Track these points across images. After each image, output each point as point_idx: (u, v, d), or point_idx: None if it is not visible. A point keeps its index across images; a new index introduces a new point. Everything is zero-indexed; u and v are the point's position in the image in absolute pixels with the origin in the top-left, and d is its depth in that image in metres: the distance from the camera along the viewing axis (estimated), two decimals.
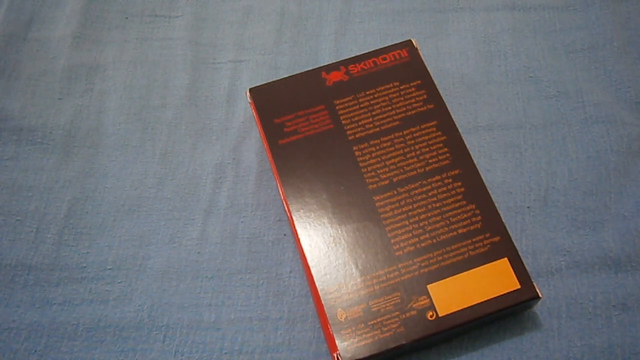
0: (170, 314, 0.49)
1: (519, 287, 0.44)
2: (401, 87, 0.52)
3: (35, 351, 0.48)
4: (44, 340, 0.48)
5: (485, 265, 0.45)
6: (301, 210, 0.48)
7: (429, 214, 0.47)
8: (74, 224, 0.52)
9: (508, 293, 0.44)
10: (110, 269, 0.50)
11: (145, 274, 0.50)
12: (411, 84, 0.52)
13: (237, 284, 0.50)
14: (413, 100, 0.52)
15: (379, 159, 0.49)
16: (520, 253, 0.50)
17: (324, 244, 0.47)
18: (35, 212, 0.53)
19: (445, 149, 0.49)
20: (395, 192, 0.48)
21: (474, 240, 0.46)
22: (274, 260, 0.50)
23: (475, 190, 0.48)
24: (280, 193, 0.49)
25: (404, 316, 0.44)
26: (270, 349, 0.47)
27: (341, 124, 0.51)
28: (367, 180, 0.49)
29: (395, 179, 0.48)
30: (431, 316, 0.44)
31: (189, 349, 0.47)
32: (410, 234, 0.46)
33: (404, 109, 0.51)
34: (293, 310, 0.48)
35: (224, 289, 0.50)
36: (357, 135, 0.50)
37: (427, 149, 0.50)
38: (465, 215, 0.47)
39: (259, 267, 0.50)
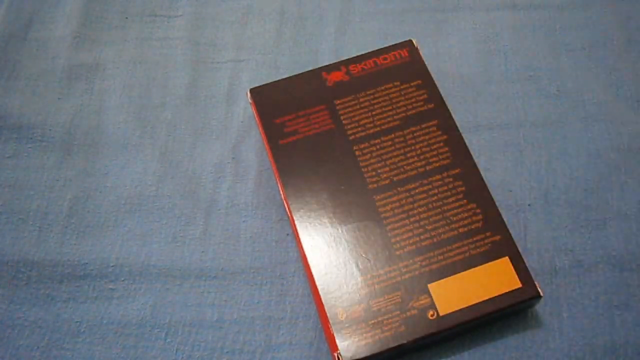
0: (172, 312, 0.49)
1: (520, 286, 0.44)
2: (402, 87, 0.52)
3: (38, 347, 0.48)
4: (47, 337, 0.48)
5: (486, 264, 0.45)
6: (302, 210, 0.48)
7: (430, 213, 0.47)
8: (76, 222, 0.53)
9: (509, 292, 0.44)
10: (113, 266, 0.51)
11: (148, 272, 0.50)
12: (412, 84, 0.52)
13: (240, 283, 0.50)
14: (413, 100, 0.52)
15: (379, 159, 0.49)
16: (524, 251, 0.50)
17: (324, 244, 0.47)
18: (37, 211, 0.53)
19: (446, 148, 0.50)
20: (395, 192, 0.48)
21: (474, 239, 0.46)
22: (278, 260, 0.51)
23: (475, 189, 0.48)
24: (281, 193, 0.49)
25: (404, 315, 0.44)
26: (271, 348, 0.47)
27: (342, 123, 0.51)
28: (367, 179, 0.49)
29: (395, 179, 0.49)
30: (432, 315, 0.44)
31: (190, 347, 0.47)
32: (411, 233, 0.47)
33: (405, 108, 0.51)
34: (296, 310, 0.49)
35: (227, 288, 0.50)
36: (357, 135, 0.50)
37: (428, 148, 0.50)
38: (465, 215, 0.47)
39: (263, 266, 0.50)
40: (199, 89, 0.59)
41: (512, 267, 0.45)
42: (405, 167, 0.49)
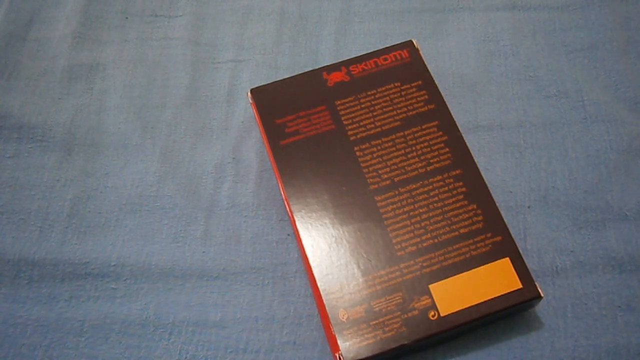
0: (175, 312, 0.49)
1: (520, 286, 0.45)
2: (402, 88, 0.52)
3: (41, 346, 0.48)
4: (50, 336, 0.48)
5: (486, 265, 0.45)
6: (303, 211, 0.48)
7: (431, 214, 0.47)
8: (76, 222, 0.53)
9: (510, 293, 0.44)
10: (114, 265, 0.51)
11: (150, 272, 0.50)
12: (412, 85, 0.52)
13: (242, 284, 0.50)
14: (414, 101, 0.52)
15: (380, 159, 0.49)
16: (525, 252, 0.50)
17: (325, 244, 0.47)
18: (38, 211, 0.53)
19: (447, 149, 0.50)
20: (396, 192, 0.48)
21: (475, 240, 0.46)
22: (280, 260, 0.51)
23: (476, 190, 0.48)
24: (282, 193, 0.49)
25: (405, 316, 0.44)
26: (275, 348, 0.47)
27: (342, 124, 0.51)
28: (368, 180, 0.49)
29: (396, 179, 0.49)
30: (433, 316, 0.44)
31: (194, 347, 0.48)
32: (412, 234, 0.47)
33: (405, 109, 0.51)
34: (299, 310, 0.49)
35: (230, 288, 0.50)
36: (358, 136, 0.50)
37: (429, 149, 0.50)
38: (466, 215, 0.47)
39: (264, 266, 0.50)
40: (199, 89, 0.59)
41: (512, 268, 0.45)
42: (406, 167, 0.49)
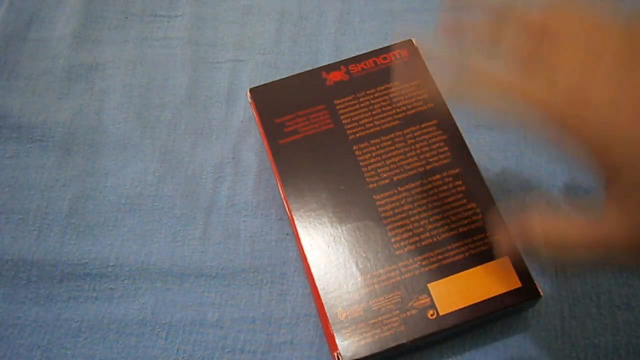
0: (173, 312, 0.49)
1: (520, 285, 0.44)
2: (401, 87, 0.52)
3: (39, 347, 0.48)
4: (48, 337, 0.48)
5: (486, 264, 0.45)
6: (301, 210, 0.48)
7: (429, 213, 0.47)
8: (75, 222, 0.53)
9: (509, 292, 0.44)
10: (113, 265, 0.51)
11: (148, 272, 0.50)
12: (411, 84, 0.52)
13: (240, 283, 0.50)
14: (413, 100, 0.52)
15: (379, 158, 0.49)
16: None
17: (324, 243, 0.47)
18: (37, 211, 0.53)
19: (446, 148, 0.50)
20: (395, 191, 0.48)
21: (474, 238, 0.46)
22: (278, 260, 0.51)
23: (475, 189, 0.48)
24: (281, 193, 0.49)
25: (404, 315, 0.44)
26: (272, 348, 0.47)
27: (341, 123, 0.51)
28: (367, 179, 0.49)
29: (395, 178, 0.49)
30: (432, 315, 0.44)
31: (191, 347, 0.48)
32: (411, 233, 0.47)
33: (404, 108, 0.51)
34: (296, 309, 0.49)
35: (227, 288, 0.50)
36: (357, 135, 0.50)
37: (428, 148, 0.50)
38: (465, 214, 0.47)
39: (263, 266, 0.50)
40: (199, 89, 0.59)
41: (512, 267, 0.45)
42: (405, 166, 0.49)
